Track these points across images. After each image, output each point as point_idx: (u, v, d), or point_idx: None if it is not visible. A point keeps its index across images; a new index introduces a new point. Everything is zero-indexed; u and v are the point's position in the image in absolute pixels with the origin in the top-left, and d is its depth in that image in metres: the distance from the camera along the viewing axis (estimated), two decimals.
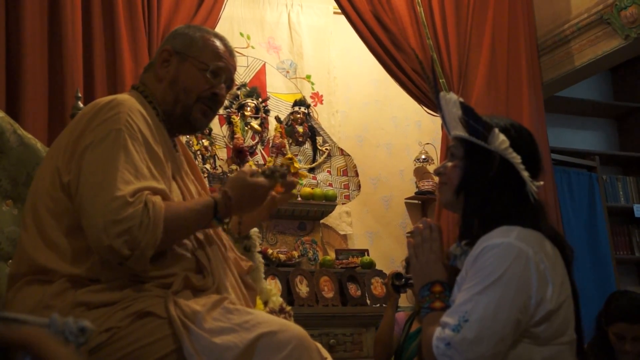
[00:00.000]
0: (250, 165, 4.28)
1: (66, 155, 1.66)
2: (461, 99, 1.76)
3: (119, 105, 1.69)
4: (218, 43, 1.90)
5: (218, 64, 1.87)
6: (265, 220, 2.29)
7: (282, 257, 4.01)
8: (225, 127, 4.40)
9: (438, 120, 4.42)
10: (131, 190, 1.56)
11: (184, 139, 3.71)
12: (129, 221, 1.53)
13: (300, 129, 4.52)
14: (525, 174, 1.68)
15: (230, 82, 1.94)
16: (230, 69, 1.92)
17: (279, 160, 4.42)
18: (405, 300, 4.26)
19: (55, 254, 1.62)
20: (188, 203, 1.76)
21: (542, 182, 1.75)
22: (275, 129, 4.49)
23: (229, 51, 1.93)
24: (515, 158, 1.68)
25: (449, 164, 1.80)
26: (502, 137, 1.69)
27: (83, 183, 1.59)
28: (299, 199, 4.27)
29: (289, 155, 4.44)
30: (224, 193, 1.74)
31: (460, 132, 1.75)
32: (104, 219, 1.52)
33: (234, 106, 4.42)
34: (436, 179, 4.66)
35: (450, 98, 1.76)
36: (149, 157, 1.68)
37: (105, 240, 1.52)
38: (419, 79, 4.18)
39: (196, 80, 1.84)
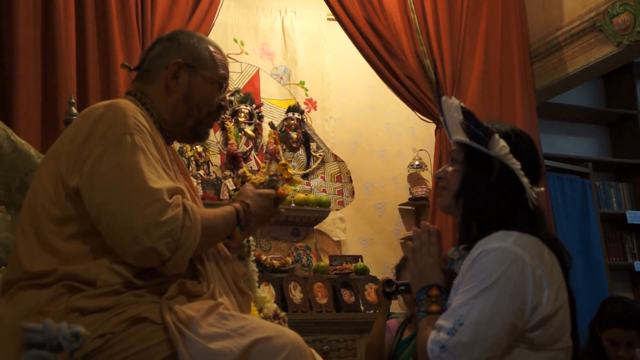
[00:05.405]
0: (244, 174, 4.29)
1: (70, 161, 1.65)
2: (462, 104, 1.76)
3: (123, 110, 1.69)
4: (220, 55, 1.94)
5: (224, 78, 1.92)
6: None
7: (276, 263, 4.01)
8: (219, 133, 4.40)
9: (431, 127, 4.43)
10: (163, 191, 1.59)
11: (176, 145, 3.70)
12: (171, 223, 1.56)
13: (294, 135, 4.52)
14: (525, 180, 1.69)
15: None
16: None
17: (273, 166, 4.43)
18: (397, 306, 4.25)
19: (53, 257, 1.61)
20: (214, 210, 1.81)
21: (542, 189, 1.76)
22: (269, 135, 4.49)
23: (227, 62, 1.97)
24: (515, 164, 1.69)
25: (449, 168, 1.80)
26: (502, 142, 1.69)
27: (109, 190, 1.58)
28: (293, 205, 4.26)
29: (283, 162, 4.44)
30: (242, 202, 1.82)
31: (461, 136, 1.76)
32: (145, 222, 1.54)
33: (227, 112, 4.41)
34: (430, 185, 4.68)
35: (452, 103, 1.77)
36: (160, 157, 1.71)
37: (148, 242, 1.53)
38: (412, 85, 4.19)
39: (209, 96, 1.89)
